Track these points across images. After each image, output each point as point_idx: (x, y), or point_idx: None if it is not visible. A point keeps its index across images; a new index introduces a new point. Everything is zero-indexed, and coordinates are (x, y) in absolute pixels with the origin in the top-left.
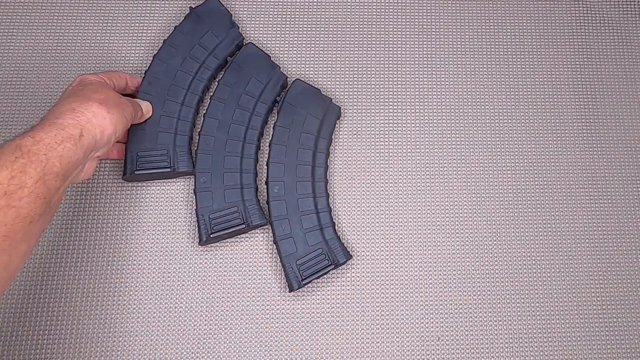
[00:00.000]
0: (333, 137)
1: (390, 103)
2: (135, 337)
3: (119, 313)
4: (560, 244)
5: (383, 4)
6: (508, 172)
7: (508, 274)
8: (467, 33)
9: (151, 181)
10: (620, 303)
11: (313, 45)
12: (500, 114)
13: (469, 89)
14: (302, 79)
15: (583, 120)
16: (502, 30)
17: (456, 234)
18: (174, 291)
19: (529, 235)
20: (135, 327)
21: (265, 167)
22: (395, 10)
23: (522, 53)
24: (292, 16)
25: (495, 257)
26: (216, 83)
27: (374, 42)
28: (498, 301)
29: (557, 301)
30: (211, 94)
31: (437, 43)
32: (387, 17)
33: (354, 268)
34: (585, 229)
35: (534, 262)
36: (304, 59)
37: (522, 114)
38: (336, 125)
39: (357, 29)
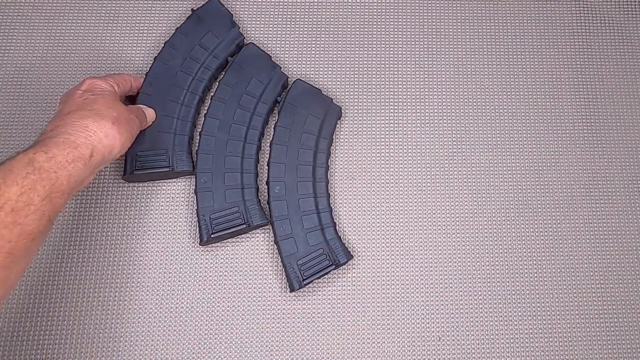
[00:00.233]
0: (334, 137)
1: (391, 103)
2: (137, 338)
3: (120, 313)
4: (561, 244)
5: (384, 4)
6: (509, 171)
7: (509, 274)
8: (467, 33)
9: (152, 181)
10: (620, 303)
11: (314, 46)
12: (501, 113)
13: (469, 89)
14: (303, 79)
15: (584, 120)
16: (502, 30)
17: (457, 234)
18: (175, 291)
19: (530, 235)
20: (136, 328)
21: (266, 167)
22: (396, 11)
23: (523, 53)
24: (293, 16)
25: (496, 257)
26: (217, 83)
27: (374, 43)
28: (499, 301)
29: (558, 301)
30: (212, 94)
31: (438, 43)
32: (387, 17)
33: (354, 268)
34: (586, 228)
35: (534, 262)
36: (304, 59)
37: (522, 113)
38: (337, 126)
39: (358, 29)
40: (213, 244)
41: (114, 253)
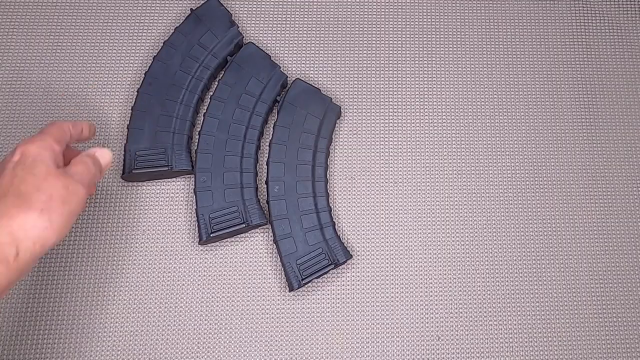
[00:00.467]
0: (333, 136)
1: (391, 102)
2: (136, 336)
3: (119, 312)
4: (560, 244)
5: (383, 3)
6: (508, 171)
7: (508, 274)
8: (467, 33)
9: (151, 180)
10: (620, 303)
11: (313, 45)
12: (500, 113)
13: (469, 89)
14: (302, 79)
15: (583, 120)
16: (502, 29)
17: (456, 233)
18: (174, 290)
19: (529, 235)
20: (135, 326)
21: (265, 166)
22: (396, 10)
23: (522, 53)
24: (292, 16)
25: (495, 256)
26: (216, 83)
27: (374, 42)
28: (498, 300)
29: (557, 300)
30: (211, 93)
31: (437, 42)
32: (387, 16)
33: (354, 267)
34: (585, 228)
35: (533, 261)
36: (304, 58)
37: (522, 113)
38: (336, 125)
39: (357, 29)
40: (212, 243)
41: (113, 252)
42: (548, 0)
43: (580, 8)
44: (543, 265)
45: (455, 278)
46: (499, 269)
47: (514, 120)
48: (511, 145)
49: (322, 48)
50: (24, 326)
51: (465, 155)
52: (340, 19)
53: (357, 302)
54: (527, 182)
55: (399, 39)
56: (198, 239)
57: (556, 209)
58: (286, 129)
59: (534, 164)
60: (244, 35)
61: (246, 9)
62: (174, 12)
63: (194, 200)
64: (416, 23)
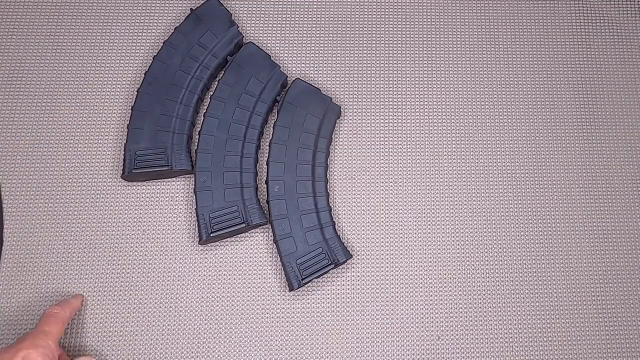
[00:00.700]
0: (333, 136)
1: (390, 102)
2: (136, 336)
3: (119, 312)
4: (560, 243)
5: (383, 3)
6: (508, 171)
7: (508, 273)
8: (467, 33)
9: (151, 180)
10: (619, 302)
11: (313, 45)
12: (500, 113)
13: (468, 89)
14: (302, 78)
15: (583, 120)
16: (502, 30)
17: (456, 233)
18: (174, 290)
19: (529, 234)
20: (135, 326)
21: (265, 166)
22: (396, 10)
23: (522, 53)
24: (292, 16)
25: (495, 256)
26: (216, 82)
27: (374, 42)
28: (498, 300)
29: (557, 300)
30: (211, 93)
31: (437, 42)
32: (387, 16)
33: (354, 267)
34: (585, 228)
35: (533, 261)
36: (304, 58)
37: (522, 113)
38: (336, 125)
39: (357, 29)
40: (212, 243)
41: (114, 252)
42: (548, 0)
43: (580, 8)
44: (543, 265)
45: (455, 278)
46: (499, 268)
47: (514, 120)
48: (511, 145)
49: (322, 48)
50: (24, 326)
51: (465, 155)
52: (340, 19)
53: (357, 302)
54: (527, 182)
55: (399, 39)
56: (198, 239)
57: (556, 209)
58: (286, 129)
59: (534, 164)
60: (244, 35)
61: (246, 9)
62: (174, 12)
63: (194, 200)
64: (416, 23)
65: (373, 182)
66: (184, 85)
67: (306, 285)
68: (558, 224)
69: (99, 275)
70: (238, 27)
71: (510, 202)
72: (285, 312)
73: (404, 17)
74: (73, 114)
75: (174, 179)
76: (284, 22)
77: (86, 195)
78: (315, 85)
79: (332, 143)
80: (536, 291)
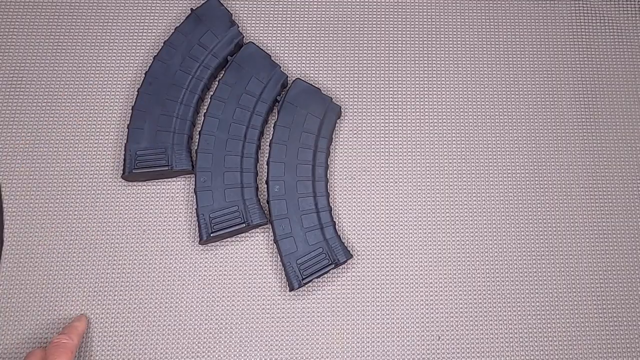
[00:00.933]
0: (333, 136)
1: (391, 102)
2: (136, 336)
3: (119, 312)
4: (560, 243)
5: (383, 3)
6: (508, 171)
7: (508, 273)
8: (467, 33)
9: (151, 180)
10: (619, 302)
11: (313, 45)
12: (500, 113)
13: (469, 89)
14: (303, 78)
15: (583, 120)
16: (502, 30)
17: (456, 233)
18: (174, 290)
19: (529, 234)
20: (135, 326)
21: (266, 166)
22: (396, 10)
23: (522, 53)
24: (293, 15)
25: (495, 255)
26: (216, 82)
27: (374, 42)
28: (498, 300)
29: (557, 300)
30: (211, 93)
31: (438, 42)
32: (387, 16)
33: (354, 267)
34: (585, 228)
35: (534, 261)
36: (304, 58)
37: (522, 113)
38: (336, 125)
39: (357, 29)
40: (212, 243)
41: (114, 252)
42: (548, 0)
43: (580, 8)
44: (543, 265)
45: (455, 277)
46: (499, 268)
47: (514, 120)
48: (511, 145)
49: (322, 48)
50: (24, 326)
51: (466, 155)
52: (340, 19)
53: (357, 302)
54: (527, 181)
55: (399, 39)
56: (198, 239)
57: (556, 209)
58: (286, 129)
59: (534, 163)
60: (244, 35)
61: (246, 9)
62: (174, 12)
63: (194, 200)
64: (416, 23)
65: (373, 182)
66: (184, 85)
67: (306, 285)
68: (558, 224)
69: (99, 275)
70: (238, 27)
71: (510, 202)
72: (285, 312)
73: (404, 17)
74: (73, 114)
75: (174, 179)
76: (284, 22)
77: (86, 195)
78: (316, 85)
79: (332, 143)
80: (536, 291)
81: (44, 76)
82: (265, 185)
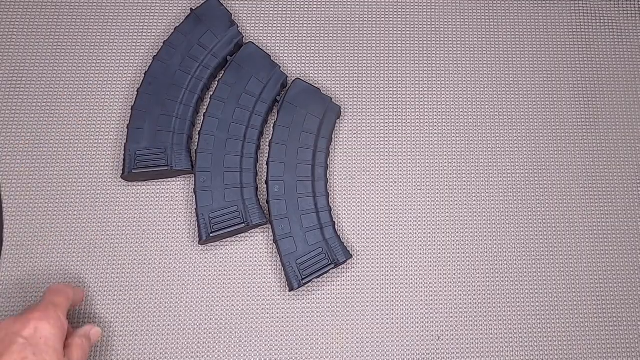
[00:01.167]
0: (333, 136)
1: (390, 102)
2: (135, 336)
3: (118, 312)
4: (560, 244)
5: (383, 3)
6: (508, 171)
7: (508, 273)
8: (467, 33)
9: (150, 180)
10: (619, 302)
11: (313, 45)
12: (500, 113)
13: (468, 89)
14: (302, 78)
15: (583, 120)
16: (502, 30)
17: (456, 233)
18: (173, 290)
19: (529, 234)
20: (135, 326)
21: (265, 166)
22: (396, 10)
23: (522, 53)
24: (292, 16)
25: (495, 256)
26: (216, 82)
27: (374, 42)
28: (498, 300)
29: (557, 300)
30: (211, 93)
31: (437, 42)
32: (387, 17)
33: (354, 267)
34: (585, 228)
35: (533, 261)
36: (304, 58)
37: (522, 113)
38: (336, 125)
39: (357, 29)
40: (212, 243)
41: (113, 252)
42: (548, 0)
43: (580, 8)
44: (543, 265)
45: (455, 277)
46: (499, 268)
47: (514, 120)
48: (511, 146)
49: (322, 48)
50: None
51: (465, 155)
52: (340, 19)
53: (357, 302)
54: (527, 182)
55: (399, 39)
56: (198, 239)
57: (556, 209)
58: (286, 129)
59: (534, 164)
60: (244, 35)
61: (246, 9)
62: (174, 12)
63: (194, 200)
64: (416, 23)
65: (373, 182)
66: (184, 85)
67: (306, 285)
68: (558, 224)
69: (99, 275)
70: (238, 27)
71: (510, 202)
72: (285, 312)
73: (404, 17)
74: (73, 114)
75: (174, 179)
76: (284, 22)
77: (86, 195)
78: (315, 85)
79: (332, 143)
80: (536, 291)
81: (44, 76)
82: (265, 185)
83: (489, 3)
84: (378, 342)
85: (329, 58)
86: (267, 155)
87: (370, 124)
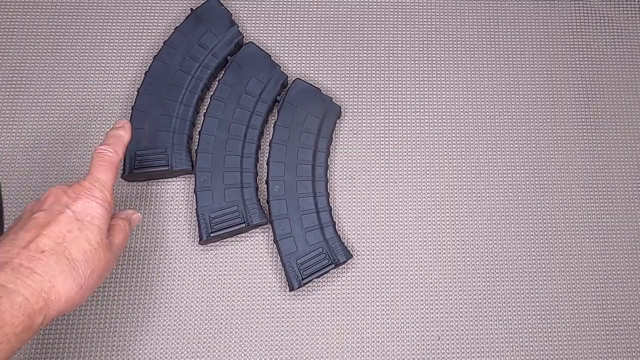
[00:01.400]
0: (333, 136)
1: (391, 102)
2: (135, 336)
3: (118, 312)
4: (560, 243)
5: (383, 3)
6: (508, 171)
7: (508, 273)
8: (467, 33)
9: (151, 180)
10: (619, 302)
11: (313, 45)
12: (500, 113)
13: (468, 89)
14: (302, 78)
15: (583, 120)
16: (502, 29)
17: (456, 233)
18: (174, 290)
19: (529, 234)
20: (135, 326)
21: (266, 166)
22: (396, 10)
23: (522, 53)
24: (292, 16)
25: (495, 255)
26: (216, 82)
27: (374, 42)
28: (498, 300)
29: (557, 300)
30: (211, 93)
31: (437, 42)
32: (387, 16)
33: (354, 267)
34: (585, 228)
35: (534, 261)
36: (304, 58)
37: (522, 113)
38: (336, 125)
39: (357, 29)
40: (212, 243)
41: None
42: (548, 0)
43: (580, 8)
44: (543, 265)
45: (455, 277)
46: (499, 268)
47: (514, 120)
48: (511, 145)
49: (322, 48)
50: None
51: (466, 154)
52: (340, 19)
53: (357, 302)
54: (527, 182)
55: (399, 39)
56: (198, 239)
57: (556, 209)
58: (286, 129)
59: (534, 163)
60: (244, 35)
61: (246, 9)
62: (174, 12)
63: (194, 200)
64: (416, 23)
65: (373, 182)
66: (184, 85)
67: (306, 285)
68: (558, 224)
69: None
70: (238, 27)
71: (510, 202)
72: (285, 312)
73: (404, 17)
74: (73, 114)
75: (174, 179)
76: (284, 22)
77: None
78: (315, 85)
79: (332, 143)
80: (536, 291)
81: (44, 76)
82: (265, 185)
83: (489, 3)
84: (378, 342)
85: (329, 58)
86: (267, 155)
87: (370, 124)
